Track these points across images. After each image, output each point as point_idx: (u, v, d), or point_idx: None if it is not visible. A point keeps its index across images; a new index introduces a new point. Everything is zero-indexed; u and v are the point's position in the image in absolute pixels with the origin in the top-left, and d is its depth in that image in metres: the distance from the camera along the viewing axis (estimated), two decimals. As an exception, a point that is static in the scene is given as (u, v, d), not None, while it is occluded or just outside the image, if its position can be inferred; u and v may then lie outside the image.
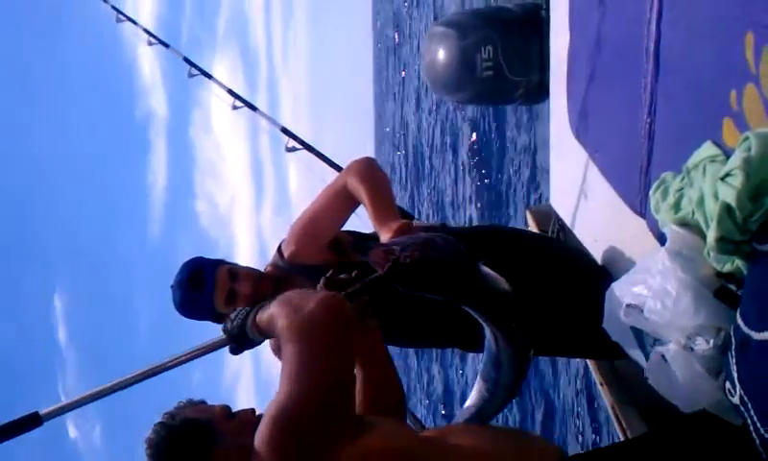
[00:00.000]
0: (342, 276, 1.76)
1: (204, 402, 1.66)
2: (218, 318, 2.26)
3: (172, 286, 2.29)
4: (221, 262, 2.28)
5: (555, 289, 2.36)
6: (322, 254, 2.27)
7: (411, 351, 11.72)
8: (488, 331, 1.64)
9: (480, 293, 1.59)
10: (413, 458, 1.49)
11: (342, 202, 2.24)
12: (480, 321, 1.63)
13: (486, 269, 1.60)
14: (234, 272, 2.25)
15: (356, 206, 2.23)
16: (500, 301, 1.61)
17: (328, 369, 1.37)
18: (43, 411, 1.66)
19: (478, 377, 1.77)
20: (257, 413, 1.58)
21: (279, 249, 2.35)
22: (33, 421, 1.62)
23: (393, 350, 2.11)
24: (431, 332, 2.43)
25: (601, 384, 2.75)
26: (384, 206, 2.07)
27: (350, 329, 1.45)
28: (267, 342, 1.91)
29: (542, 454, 1.52)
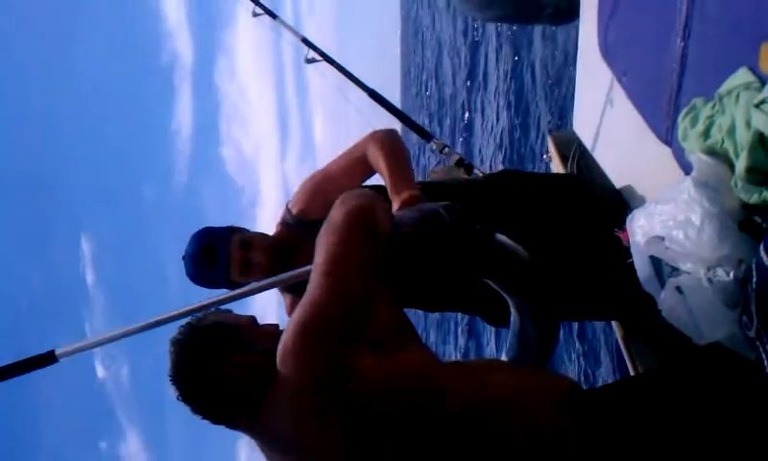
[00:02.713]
0: None
1: (230, 311, 1.68)
2: (232, 286, 2.26)
3: (183, 258, 2.27)
4: (232, 231, 2.27)
5: (576, 246, 2.34)
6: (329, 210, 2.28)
7: (432, 328, 11.85)
8: (511, 305, 1.62)
9: (495, 265, 1.57)
10: (429, 381, 1.49)
11: (358, 167, 2.23)
12: (503, 294, 1.61)
13: (502, 238, 1.57)
14: (247, 241, 2.24)
15: (371, 174, 2.22)
16: (519, 272, 1.58)
17: (347, 276, 1.39)
18: (59, 350, 1.74)
19: (503, 354, 1.76)
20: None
21: (287, 207, 2.35)
22: (48, 358, 1.71)
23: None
24: (454, 299, 2.40)
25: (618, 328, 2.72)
26: (400, 177, 2.05)
27: (375, 238, 1.44)
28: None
29: (556, 387, 1.52)
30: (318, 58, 3.47)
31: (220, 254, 2.20)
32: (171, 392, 1.57)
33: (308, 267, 1.54)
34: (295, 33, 3.57)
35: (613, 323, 2.66)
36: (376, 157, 2.15)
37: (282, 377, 1.41)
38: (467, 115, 11.76)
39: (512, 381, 1.53)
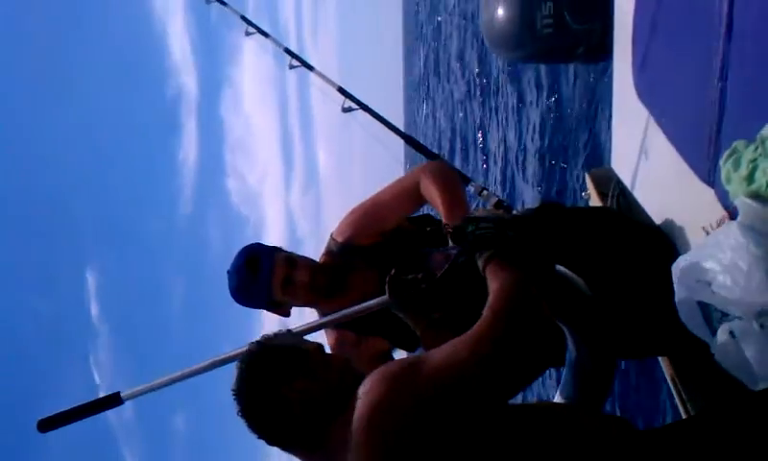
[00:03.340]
0: (409, 277, 1.77)
1: (300, 335, 1.72)
2: (271, 305, 2.28)
3: (228, 272, 2.30)
4: (278, 249, 2.29)
5: (627, 281, 2.32)
6: (376, 237, 2.29)
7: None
8: (569, 339, 1.62)
9: (556, 294, 1.57)
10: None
11: (409, 197, 2.27)
12: (561, 326, 1.61)
13: (563, 269, 1.58)
14: (292, 259, 2.27)
15: (421, 205, 2.26)
16: (579, 305, 1.58)
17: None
18: (124, 393, 1.86)
19: (557, 394, 1.75)
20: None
21: (332, 237, 2.38)
22: (114, 400, 1.82)
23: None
24: None
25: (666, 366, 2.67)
26: (455, 205, 2.09)
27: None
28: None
29: (611, 426, 1.50)
30: (354, 106, 3.52)
31: (264, 267, 2.21)
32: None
33: (374, 301, 1.59)
34: (331, 83, 3.63)
35: (663, 363, 2.61)
36: (429, 187, 2.18)
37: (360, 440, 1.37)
38: (499, 155, 11.76)
39: (583, 424, 1.51)
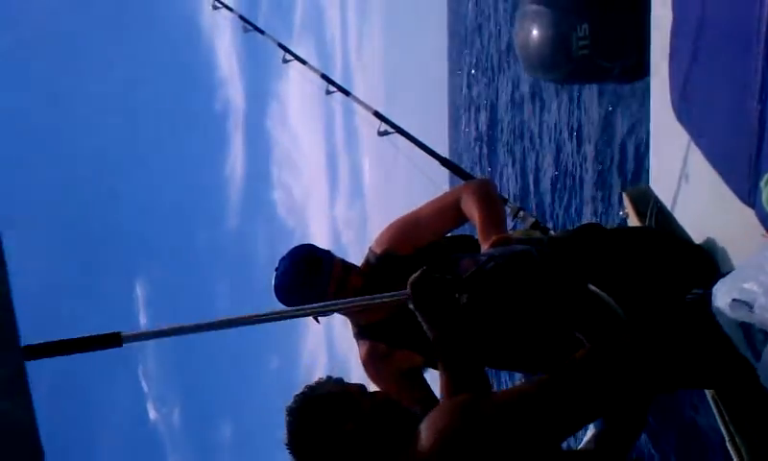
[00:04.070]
0: (435, 275, 1.77)
1: (341, 380, 1.71)
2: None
3: (280, 270, 2.31)
4: (333, 254, 2.32)
5: (667, 302, 2.29)
6: (411, 250, 2.30)
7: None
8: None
9: (584, 314, 1.56)
10: None
11: (450, 213, 2.27)
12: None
13: (596, 289, 1.57)
14: (347, 264, 2.30)
15: (462, 222, 2.26)
16: (612, 325, 1.57)
17: None
18: (125, 333, 1.64)
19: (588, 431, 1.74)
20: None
21: (370, 249, 2.40)
22: (113, 340, 1.62)
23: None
24: (531, 357, 2.32)
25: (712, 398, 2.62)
26: (492, 222, 2.08)
27: None
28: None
29: None
30: (390, 130, 3.55)
31: (325, 268, 2.24)
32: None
33: (393, 294, 1.63)
34: (367, 107, 3.68)
35: (707, 392, 2.55)
36: (469, 203, 2.18)
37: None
38: (535, 175, 11.72)
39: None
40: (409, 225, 2.35)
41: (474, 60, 22.09)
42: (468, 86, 23.50)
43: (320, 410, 1.59)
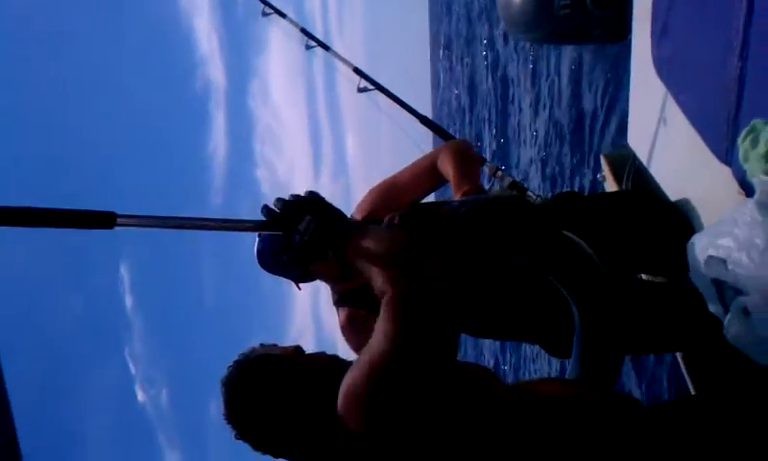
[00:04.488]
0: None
1: (275, 345, 1.67)
2: (302, 275, 2.30)
3: (260, 236, 2.29)
4: None
5: (643, 265, 2.31)
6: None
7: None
8: (574, 311, 1.59)
9: (559, 254, 1.55)
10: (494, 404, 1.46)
11: (428, 175, 2.27)
12: (566, 296, 1.59)
13: (569, 234, 1.55)
14: None
15: (441, 183, 2.25)
16: (586, 267, 1.56)
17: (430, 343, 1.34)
18: (120, 214, 1.46)
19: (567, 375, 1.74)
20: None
21: (352, 216, 2.38)
22: (107, 220, 1.42)
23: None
24: (512, 322, 2.29)
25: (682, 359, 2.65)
26: (465, 175, 2.09)
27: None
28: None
29: (616, 402, 1.51)
30: (370, 87, 3.51)
31: None
32: (229, 432, 1.55)
33: None
34: (347, 63, 3.63)
35: (679, 358, 2.59)
36: (445, 162, 2.19)
37: (345, 417, 1.38)
38: (515, 137, 11.72)
39: (581, 396, 1.51)
40: (388, 189, 2.34)
41: (456, 19, 21.95)
42: (448, 47, 23.37)
43: (254, 375, 1.55)
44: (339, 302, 2.37)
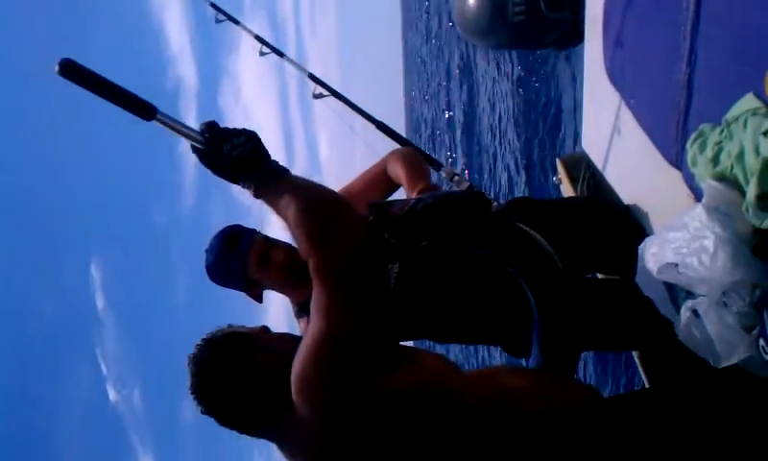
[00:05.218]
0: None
1: (243, 326, 1.69)
2: (248, 285, 2.28)
3: (206, 249, 2.30)
4: (256, 231, 2.31)
5: (595, 267, 2.34)
6: None
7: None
8: (531, 302, 1.61)
9: (514, 244, 1.58)
10: (452, 396, 1.48)
11: (379, 182, 2.31)
12: (524, 286, 1.61)
13: (525, 228, 1.59)
14: (270, 239, 2.28)
15: (394, 188, 2.28)
16: (539, 256, 1.59)
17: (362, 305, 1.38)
18: (161, 110, 1.49)
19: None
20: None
21: None
22: (148, 111, 1.47)
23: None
24: (471, 326, 2.27)
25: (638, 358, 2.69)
26: (417, 175, 2.13)
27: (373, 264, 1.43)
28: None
29: (585, 395, 1.53)
30: (325, 93, 3.50)
31: (242, 243, 2.24)
32: (193, 408, 1.57)
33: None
34: (302, 69, 3.62)
35: (635, 356, 2.63)
36: (395, 167, 2.24)
37: (299, 405, 1.41)
38: (473, 143, 11.79)
39: (542, 390, 1.53)
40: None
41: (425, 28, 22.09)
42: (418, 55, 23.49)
43: (220, 352, 1.57)
44: (298, 313, 2.36)
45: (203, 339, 1.62)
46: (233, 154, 1.45)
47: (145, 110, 1.46)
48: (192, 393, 1.57)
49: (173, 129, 1.48)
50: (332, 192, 1.48)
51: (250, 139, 1.47)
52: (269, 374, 1.51)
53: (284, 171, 1.48)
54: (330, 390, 1.38)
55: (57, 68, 1.35)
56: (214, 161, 1.47)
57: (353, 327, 1.37)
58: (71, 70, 1.38)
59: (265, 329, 1.66)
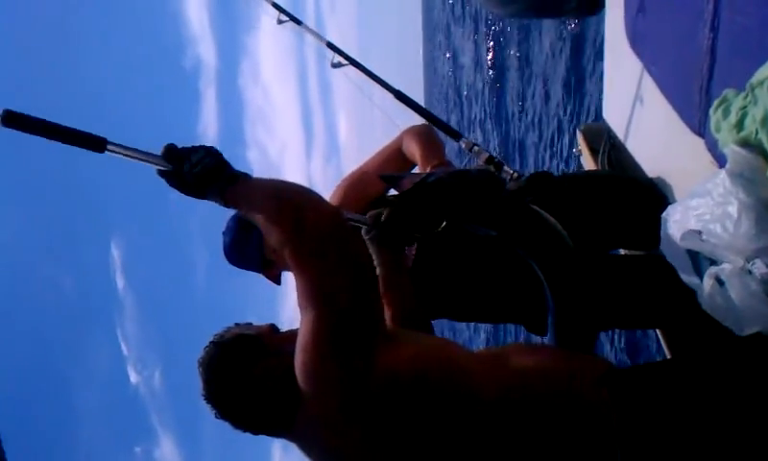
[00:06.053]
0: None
1: (250, 323, 1.70)
2: (264, 266, 2.29)
3: (223, 231, 2.33)
4: None
5: (618, 241, 2.32)
6: (364, 207, 2.30)
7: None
8: (544, 282, 1.59)
9: (526, 227, 1.57)
10: (453, 365, 1.48)
11: (394, 160, 2.29)
12: (535, 268, 1.59)
13: (536, 207, 1.57)
14: None
15: (410, 168, 2.26)
16: (553, 239, 1.57)
17: (352, 276, 1.41)
18: (111, 141, 1.54)
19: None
20: None
21: None
22: (98, 144, 1.51)
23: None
24: (491, 305, 2.31)
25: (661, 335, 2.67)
26: (431, 152, 2.13)
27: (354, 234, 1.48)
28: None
29: (593, 367, 1.51)
30: (344, 62, 3.46)
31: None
32: (208, 411, 1.59)
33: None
34: (320, 38, 3.58)
35: (659, 334, 2.61)
36: (410, 144, 2.22)
37: (305, 393, 1.43)
38: (493, 114, 11.71)
39: (548, 364, 1.52)
40: (356, 180, 2.35)
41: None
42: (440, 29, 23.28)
43: (229, 356, 1.58)
44: None
45: (211, 342, 1.63)
46: (194, 170, 1.49)
47: (95, 144, 1.51)
48: (205, 399, 1.60)
49: (129, 156, 1.52)
50: (298, 184, 1.52)
51: (208, 153, 1.51)
52: (278, 377, 1.52)
53: (247, 175, 1.52)
54: (337, 372, 1.39)
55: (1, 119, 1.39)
56: (181, 181, 1.51)
57: (345, 304, 1.39)
58: (13, 119, 1.42)
59: (273, 328, 1.67)
